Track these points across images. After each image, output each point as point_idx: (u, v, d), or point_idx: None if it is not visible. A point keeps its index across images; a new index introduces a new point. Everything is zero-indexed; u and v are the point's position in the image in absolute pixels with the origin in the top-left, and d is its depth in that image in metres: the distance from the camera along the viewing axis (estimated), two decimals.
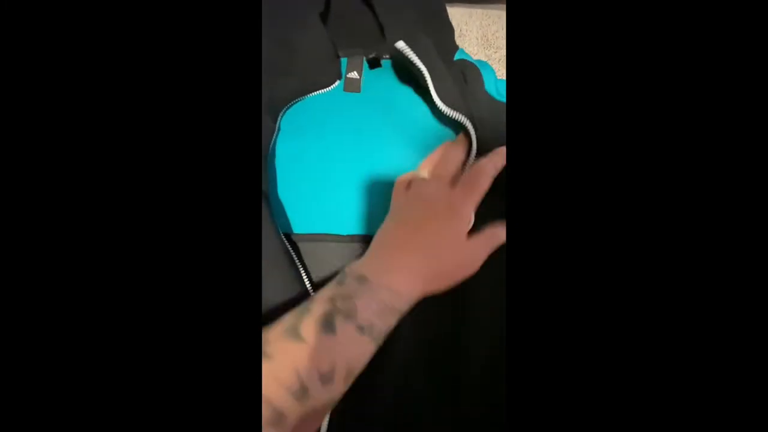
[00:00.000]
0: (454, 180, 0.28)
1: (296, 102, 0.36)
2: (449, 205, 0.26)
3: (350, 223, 0.32)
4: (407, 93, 0.36)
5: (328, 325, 0.21)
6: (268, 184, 0.32)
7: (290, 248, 0.29)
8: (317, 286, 0.28)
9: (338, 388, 0.21)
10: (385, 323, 0.23)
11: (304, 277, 0.29)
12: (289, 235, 0.31)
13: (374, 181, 0.33)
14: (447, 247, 0.25)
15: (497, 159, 0.28)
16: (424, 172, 0.30)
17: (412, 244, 0.25)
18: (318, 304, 0.23)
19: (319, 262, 0.31)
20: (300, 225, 0.32)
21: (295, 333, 0.22)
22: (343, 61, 0.37)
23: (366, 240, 0.30)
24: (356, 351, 0.22)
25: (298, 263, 0.29)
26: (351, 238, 0.32)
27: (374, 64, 0.37)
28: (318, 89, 0.36)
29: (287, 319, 0.23)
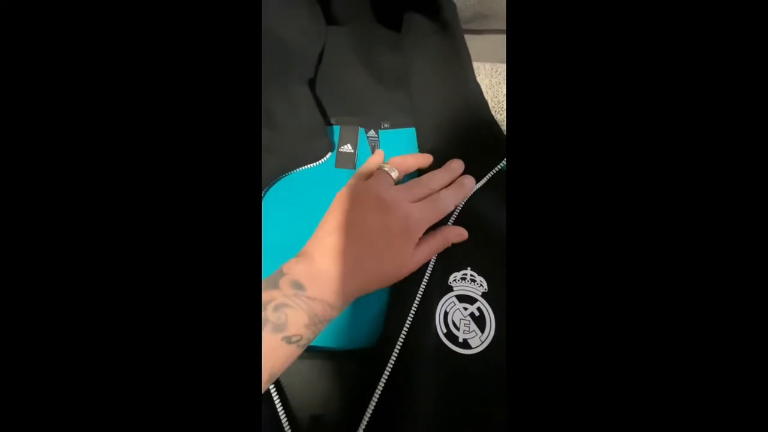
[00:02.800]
0: (417, 196, 0.27)
1: (278, 180, 0.30)
2: (405, 225, 0.25)
3: (340, 335, 0.26)
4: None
5: None
6: None
7: None
8: (295, 420, 0.24)
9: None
10: (314, 333, 0.23)
11: (278, 403, 0.24)
12: None
13: None
14: (388, 265, 0.25)
15: (461, 191, 0.29)
16: (394, 172, 0.29)
17: (356, 257, 0.24)
18: None
19: (298, 382, 0.26)
20: None
21: None
22: (336, 129, 0.32)
23: (357, 355, 0.26)
24: (281, 358, 0.22)
25: (272, 386, 0.25)
26: (337, 354, 0.26)
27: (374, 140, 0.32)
28: (305, 164, 0.30)
29: None
